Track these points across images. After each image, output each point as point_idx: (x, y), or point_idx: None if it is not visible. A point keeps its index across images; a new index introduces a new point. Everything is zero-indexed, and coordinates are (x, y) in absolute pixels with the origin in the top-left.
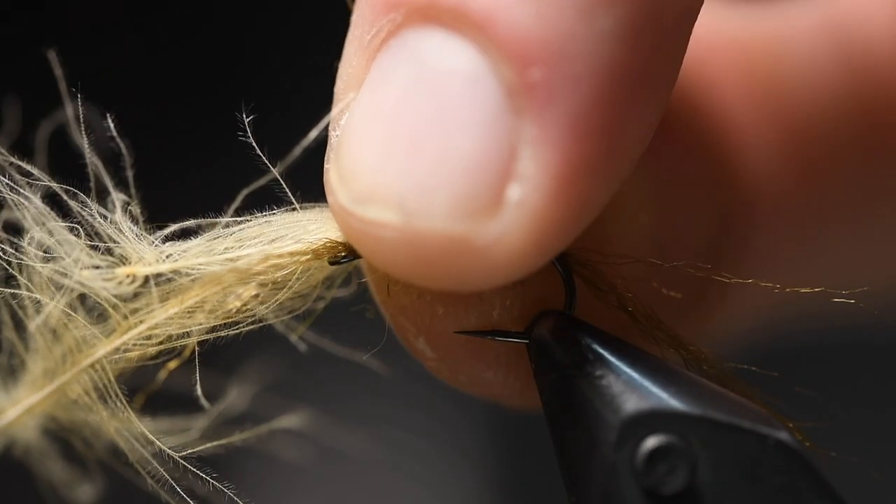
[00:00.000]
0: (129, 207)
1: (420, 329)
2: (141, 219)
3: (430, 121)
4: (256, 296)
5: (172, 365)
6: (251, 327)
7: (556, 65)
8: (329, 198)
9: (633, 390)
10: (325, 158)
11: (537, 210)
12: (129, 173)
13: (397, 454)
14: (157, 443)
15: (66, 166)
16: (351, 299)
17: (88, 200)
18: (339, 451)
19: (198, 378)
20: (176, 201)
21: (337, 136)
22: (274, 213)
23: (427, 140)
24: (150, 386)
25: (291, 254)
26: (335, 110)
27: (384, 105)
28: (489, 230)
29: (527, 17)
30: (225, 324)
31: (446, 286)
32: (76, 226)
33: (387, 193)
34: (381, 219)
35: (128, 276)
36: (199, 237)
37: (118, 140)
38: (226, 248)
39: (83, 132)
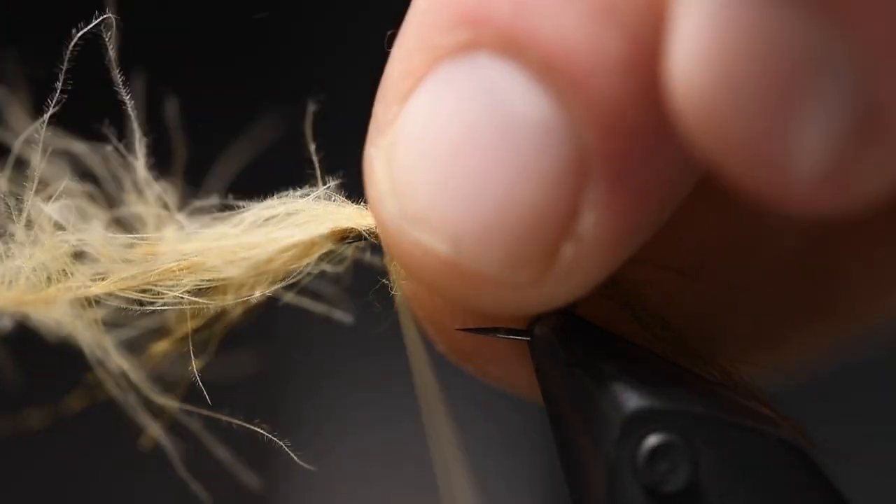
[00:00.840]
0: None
1: (425, 319)
2: (167, 195)
3: (499, 165)
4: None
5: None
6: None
7: (641, 140)
8: (371, 191)
9: (635, 388)
10: (369, 138)
11: (587, 268)
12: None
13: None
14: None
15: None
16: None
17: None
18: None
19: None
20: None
21: (385, 119)
22: (292, 197)
23: (492, 184)
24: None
25: (311, 241)
26: (385, 91)
27: (450, 129)
28: (536, 282)
29: (624, 88)
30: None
31: (476, 310)
32: (99, 194)
33: (441, 225)
34: (430, 245)
35: (147, 254)
36: (218, 218)
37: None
38: (242, 232)
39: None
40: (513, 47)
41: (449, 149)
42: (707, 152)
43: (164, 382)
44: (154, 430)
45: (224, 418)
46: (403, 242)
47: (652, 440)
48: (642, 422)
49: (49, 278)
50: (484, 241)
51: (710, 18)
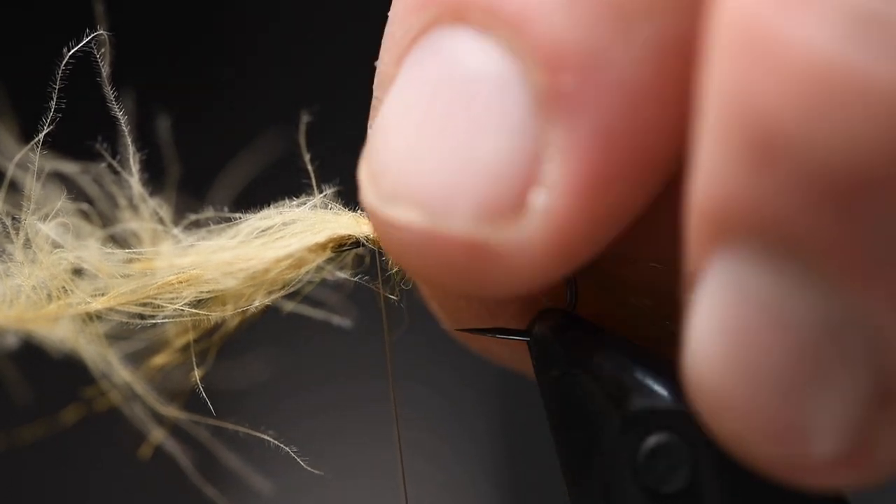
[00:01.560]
0: (151, 196)
1: (435, 307)
2: (163, 210)
3: (457, 123)
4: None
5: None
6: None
7: (590, 73)
8: (361, 194)
9: (635, 388)
10: (362, 156)
11: (560, 218)
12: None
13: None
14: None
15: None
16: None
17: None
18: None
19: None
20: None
21: (370, 133)
22: (288, 206)
23: (453, 143)
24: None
25: (308, 249)
26: (372, 109)
27: (412, 105)
28: (511, 236)
29: (563, 22)
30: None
31: (466, 291)
32: (96, 216)
33: (411, 193)
34: (406, 218)
35: (145, 269)
36: (215, 230)
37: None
38: (238, 243)
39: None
40: (460, 12)
41: (414, 123)
42: (726, 434)
43: (169, 393)
44: (158, 439)
45: (230, 426)
46: (383, 225)
47: (652, 440)
48: (642, 422)
49: (49, 296)
50: (450, 195)
51: (722, 305)
